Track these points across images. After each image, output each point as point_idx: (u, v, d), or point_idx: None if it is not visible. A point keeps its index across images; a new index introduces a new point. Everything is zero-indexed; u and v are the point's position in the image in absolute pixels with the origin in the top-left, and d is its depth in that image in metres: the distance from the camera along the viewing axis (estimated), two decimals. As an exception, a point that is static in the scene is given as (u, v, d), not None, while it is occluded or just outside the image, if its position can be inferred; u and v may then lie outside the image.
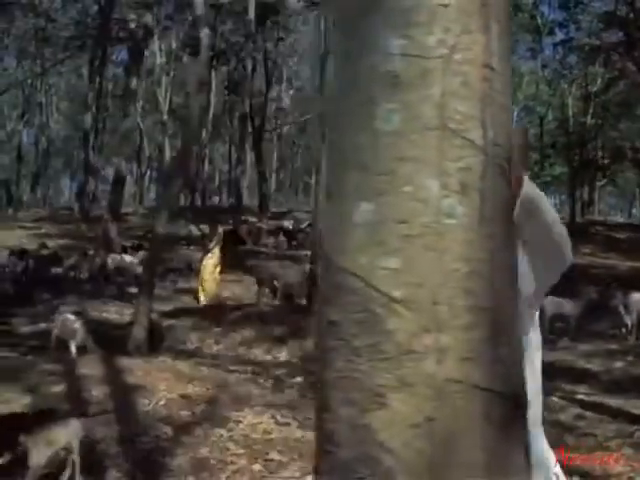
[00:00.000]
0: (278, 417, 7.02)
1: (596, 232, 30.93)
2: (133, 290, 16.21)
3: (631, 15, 26.03)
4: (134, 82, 17.65)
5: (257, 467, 5.77)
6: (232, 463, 5.86)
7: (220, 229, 18.31)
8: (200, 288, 15.45)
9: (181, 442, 6.35)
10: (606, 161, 33.98)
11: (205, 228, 24.82)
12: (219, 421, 6.85)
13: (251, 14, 22.61)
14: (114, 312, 14.33)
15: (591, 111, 35.18)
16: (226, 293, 16.36)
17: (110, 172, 59.74)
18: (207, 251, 16.10)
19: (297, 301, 14.63)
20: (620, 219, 45.19)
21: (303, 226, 26.14)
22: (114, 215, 18.66)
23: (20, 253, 16.93)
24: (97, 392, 7.54)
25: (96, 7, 25.84)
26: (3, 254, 18.60)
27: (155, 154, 50.55)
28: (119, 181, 18.73)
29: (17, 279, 15.23)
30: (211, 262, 15.72)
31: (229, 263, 17.66)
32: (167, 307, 14.63)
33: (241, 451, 6.13)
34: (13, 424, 6.07)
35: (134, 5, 17.66)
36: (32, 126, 43.79)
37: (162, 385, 7.76)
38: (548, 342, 11.93)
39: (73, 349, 9.52)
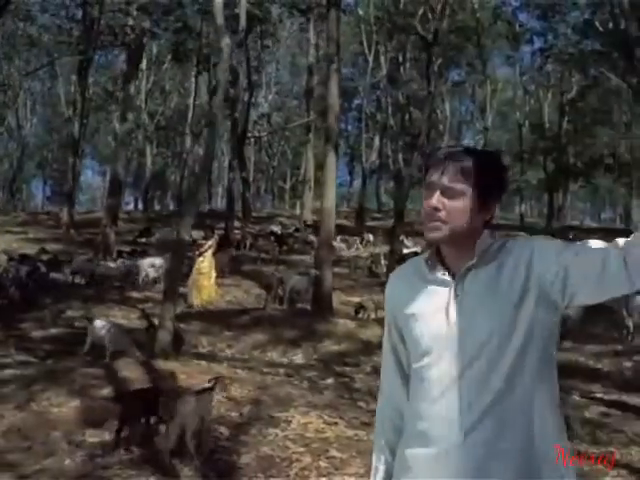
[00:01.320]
0: (325, 417, 7.26)
1: (574, 237, 31.66)
2: (135, 295, 16.36)
3: (610, 25, 26.73)
4: (132, 88, 17.73)
5: (323, 464, 6.00)
6: (297, 461, 6.08)
7: (216, 234, 18.50)
8: (194, 292, 15.54)
9: (241, 441, 6.57)
10: (581, 167, 34.72)
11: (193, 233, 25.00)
12: (270, 421, 7.06)
13: (242, 23, 22.76)
14: (121, 317, 14.34)
15: (567, 118, 35.93)
16: (227, 297, 16.53)
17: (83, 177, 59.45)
18: (200, 254, 16.26)
19: (302, 305, 14.88)
20: (593, 224, 46.24)
21: (289, 231, 26.37)
22: (113, 220, 18.72)
23: (21, 258, 16.94)
24: (145, 394, 7.71)
25: (85, 11, 25.87)
26: (2, 258, 18.55)
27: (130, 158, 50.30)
28: (116, 186, 18.75)
29: (23, 284, 15.20)
30: (205, 265, 15.82)
31: (224, 268, 17.85)
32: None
33: (301, 449, 6.35)
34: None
35: (133, 11, 17.71)
36: (9, 130, 43.44)
37: (205, 387, 7.94)
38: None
39: (107, 353, 9.69)
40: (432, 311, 1.94)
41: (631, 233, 1.93)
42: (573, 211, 61.52)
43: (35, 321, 13.82)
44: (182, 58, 29.47)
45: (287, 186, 59.94)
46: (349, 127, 52.94)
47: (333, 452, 6.30)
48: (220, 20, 10.74)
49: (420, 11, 25.49)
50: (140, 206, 49.87)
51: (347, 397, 8.32)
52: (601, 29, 27.44)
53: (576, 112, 36.32)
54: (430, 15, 25.26)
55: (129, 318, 14.35)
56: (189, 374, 8.48)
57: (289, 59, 46.11)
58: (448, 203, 1.88)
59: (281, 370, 9.89)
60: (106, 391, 7.84)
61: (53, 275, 17.00)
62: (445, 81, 40.05)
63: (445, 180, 1.89)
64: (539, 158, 36.27)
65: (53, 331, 13.19)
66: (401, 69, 33.31)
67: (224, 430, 6.89)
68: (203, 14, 28.60)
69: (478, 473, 1.81)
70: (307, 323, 13.25)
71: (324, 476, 5.82)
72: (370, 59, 29.96)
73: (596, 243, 1.89)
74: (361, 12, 28.59)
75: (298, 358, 11.58)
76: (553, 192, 36.27)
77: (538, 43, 34.60)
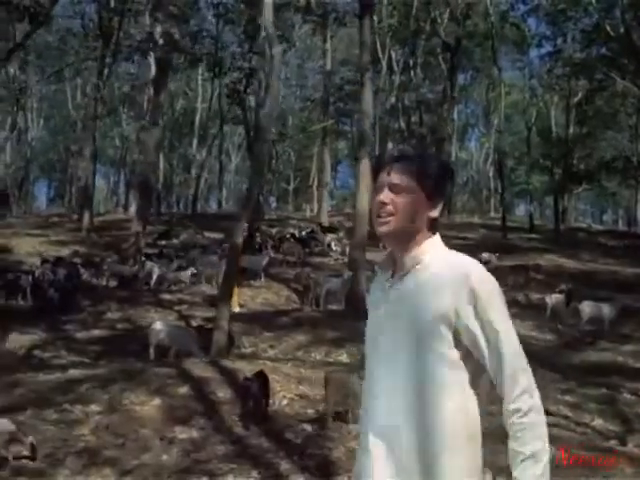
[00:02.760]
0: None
1: (585, 239, 31.95)
2: (167, 297, 16.60)
3: (621, 29, 27.07)
4: (162, 95, 18.03)
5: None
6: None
7: None
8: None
9: (327, 437, 6.86)
10: (590, 170, 34.86)
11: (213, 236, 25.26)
12: (346, 417, 7.33)
13: (269, 29, 23.09)
14: (158, 319, 14.45)
15: (574, 121, 36.18)
16: (258, 299, 16.76)
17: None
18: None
19: (335, 307, 15.17)
20: (598, 226, 46.60)
21: (304, 233, 26.53)
22: (143, 225, 18.97)
23: (56, 260, 17.22)
24: (222, 393, 8.00)
25: (101, 18, 26.15)
26: (30, 260, 18.77)
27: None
28: (147, 191, 19.00)
29: (61, 286, 15.43)
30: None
31: (260, 271, 18.10)
32: (207, 313, 14.98)
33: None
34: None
35: (161, 19, 17.93)
36: (20, 134, 43.69)
37: (277, 386, 8.23)
38: (586, 344, 12.69)
39: (171, 353, 9.99)
40: (374, 312, 2.16)
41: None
42: (575, 213, 61.78)
43: (77, 323, 14.09)
44: (197, 63, 29.64)
45: (290, 188, 60.24)
46: (354, 129, 53.11)
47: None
48: (271, 30, 11.03)
49: (431, 15, 25.80)
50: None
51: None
52: (612, 33, 27.70)
53: (584, 115, 36.57)
54: (439, 19, 25.62)
55: (167, 320, 14.58)
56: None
57: (297, 62, 46.28)
58: (395, 198, 2.04)
59: (341, 368, 10.15)
60: (184, 390, 8.12)
61: (85, 277, 17.32)
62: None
63: (392, 178, 2.06)
64: (547, 163, 36.31)
65: (96, 332, 13.49)
66: (412, 73, 33.62)
67: (306, 427, 7.19)
68: (219, 19, 28.97)
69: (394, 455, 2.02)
70: (345, 324, 13.50)
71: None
72: (383, 63, 30.30)
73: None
74: (375, 18, 28.86)
75: (343, 358, 11.84)
76: (559, 195, 36.29)
77: (547, 47, 34.84)
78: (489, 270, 2.02)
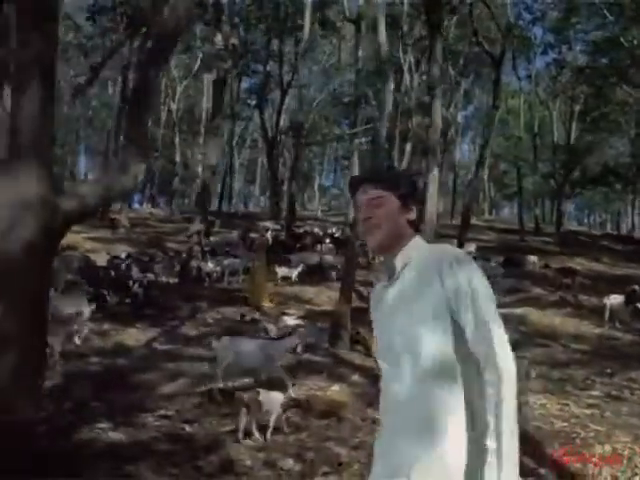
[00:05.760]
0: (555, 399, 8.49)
1: (589, 243, 32.70)
2: (240, 294, 17.05)
3: (635, 41, 28.25)
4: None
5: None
6: (574, 433, 7.30)
7: (267, 234, 19.41)
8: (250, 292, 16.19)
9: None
10: (599, 174, 35.74)
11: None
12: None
13: (306, 35, 23.92)
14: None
15: (576, 127, 37.24)
16: (307, 297, 17.09)
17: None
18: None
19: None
20: (595, 231, 47.91)
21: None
22: (205, 224, 19.67)
23: (127, 257, 17.66)
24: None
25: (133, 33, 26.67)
26: (96, 257, 18.92)
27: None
28: (205, 189, 19.66)
29: (143, 283, 15.77)
30: (256, 265, 16.51)
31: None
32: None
33: (564, 424, 7.58)
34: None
35: (224, 29, 18.51)
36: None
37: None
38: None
39: (300, 347, 10.80)
40: (375, 316, 2.35)
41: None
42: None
43: (177, 319, 14.30)
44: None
45: (284, 187, 60.91)
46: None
47: (592, 425, 7.51)
48: (386, 52, 11.86)
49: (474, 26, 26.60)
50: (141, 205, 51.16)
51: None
52: (625, 44, 28.74)
53: (586, 122, 37.59)
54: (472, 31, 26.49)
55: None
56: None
57: (316, 66, 46.86)
58: (376, 210, 2.24)
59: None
60: (355, 377, 8.96)
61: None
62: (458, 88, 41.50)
63: (368, 194, 2.27)
64: (549, 168, 37.11)
65: (203, 330, 13.81)
66: (423, 77, 34.60)
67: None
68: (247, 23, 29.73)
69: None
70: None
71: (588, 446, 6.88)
72: (405, 67, 31.27)
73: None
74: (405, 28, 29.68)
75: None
76: (560, 199, 37.07)
77: (552, 54, 35.72)
78: (538, 270, 2.47)
